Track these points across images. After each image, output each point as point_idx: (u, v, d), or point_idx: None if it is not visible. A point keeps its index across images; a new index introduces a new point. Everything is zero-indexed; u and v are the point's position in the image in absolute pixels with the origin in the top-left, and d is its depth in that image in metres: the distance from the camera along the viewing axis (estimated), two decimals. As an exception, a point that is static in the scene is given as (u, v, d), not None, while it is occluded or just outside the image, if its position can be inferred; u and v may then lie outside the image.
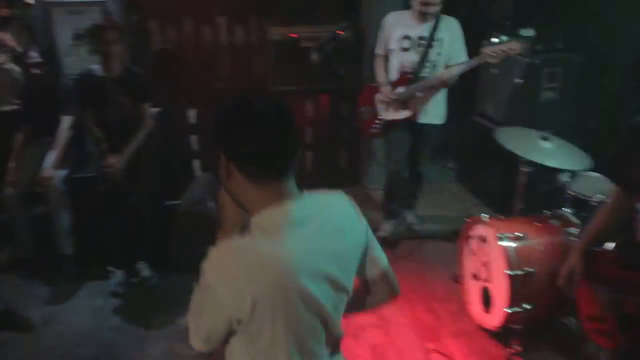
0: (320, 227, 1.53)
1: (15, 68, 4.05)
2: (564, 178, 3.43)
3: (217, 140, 1.50)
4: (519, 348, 3.07)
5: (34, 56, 4.08)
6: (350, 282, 1.62)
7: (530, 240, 3.07)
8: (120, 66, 3.72)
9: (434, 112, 4.04)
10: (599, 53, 4.08)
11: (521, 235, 3.06)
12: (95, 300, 3.78)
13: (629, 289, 1.99)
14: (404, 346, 3.26)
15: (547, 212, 3.31)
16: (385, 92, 4.05)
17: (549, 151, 3.23)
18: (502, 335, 3.19)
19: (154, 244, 3.90)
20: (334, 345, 1.65)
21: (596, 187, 3.22)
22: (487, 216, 3.30)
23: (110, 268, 3.93)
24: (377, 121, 4.16)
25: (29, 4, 4.59)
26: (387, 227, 4.37)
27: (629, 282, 2.00)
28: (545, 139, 3.27)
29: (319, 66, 4.44)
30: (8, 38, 4.04)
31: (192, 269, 2.40)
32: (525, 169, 3.42)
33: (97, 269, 3.93)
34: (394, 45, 3.99)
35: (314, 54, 4.32)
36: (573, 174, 3.44)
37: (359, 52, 4.91)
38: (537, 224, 3.21)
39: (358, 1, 4.90)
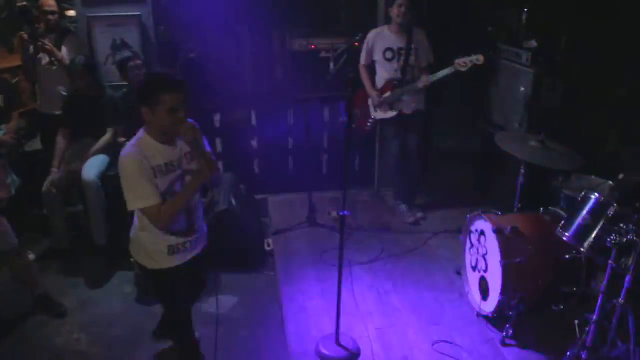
0: None
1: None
2: (559, 179, 3.69)
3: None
4: (511, 331, 3.32)
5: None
6: None
7: (523, 234, 3.32)
8: None
9: (417, 103, 4.67)
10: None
11: (515, 229, 3.32)
12: (125, 287, 4.12)
13: None
14: (407, 330, 3.50)
15: (541, 210, 3.56)
16: (374, 97, 4.72)
17: (543, 153, 3.42)
18: (497, 320, 3.45)
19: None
20: None
21: (587, 187, 3.35)
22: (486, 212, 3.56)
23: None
24: (370, 121, 4.85)
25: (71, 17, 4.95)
26: (406, 213, 4.93)
27: None
28: (541, 142, 3.47)
29: (335, 74, 4.80)
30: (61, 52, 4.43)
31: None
32: (523, 170, 3.67)
33: (127, 260, 4.14)
34: (378, 57, 4.62)
35: (331, 64, 4.69)
36: (568, 175, 3.69)
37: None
38: (531, 219, 3.47)
39: (373, 16, 5.14)
